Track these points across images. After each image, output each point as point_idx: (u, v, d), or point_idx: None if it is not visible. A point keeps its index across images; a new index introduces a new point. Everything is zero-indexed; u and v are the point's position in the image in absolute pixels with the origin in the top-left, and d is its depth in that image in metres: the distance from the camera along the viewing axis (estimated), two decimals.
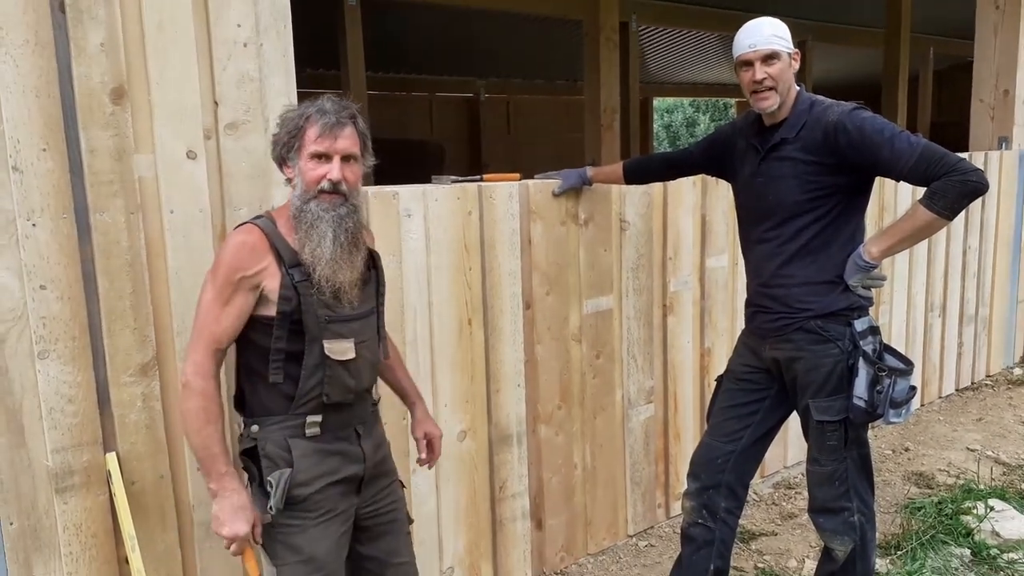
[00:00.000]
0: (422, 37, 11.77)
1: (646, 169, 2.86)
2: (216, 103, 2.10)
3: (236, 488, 1.77)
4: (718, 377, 2.66)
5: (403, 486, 2.12)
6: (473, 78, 14.52)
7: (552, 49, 13.05)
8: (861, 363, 2.28)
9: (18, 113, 1.84)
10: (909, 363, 2.34)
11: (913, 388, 2.34)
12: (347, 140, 1.78)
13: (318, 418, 1.82)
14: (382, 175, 2.24)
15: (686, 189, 3.31)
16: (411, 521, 2.15)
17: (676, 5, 12.07)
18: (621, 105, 8.49)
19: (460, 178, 2.73)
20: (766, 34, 2.27)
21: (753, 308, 2.49)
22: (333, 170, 1.76)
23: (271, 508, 1.77)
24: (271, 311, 1.78)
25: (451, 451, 2.67)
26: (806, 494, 2.55)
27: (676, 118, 27.99)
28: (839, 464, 2.36)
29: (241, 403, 1.89)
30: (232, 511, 1.75)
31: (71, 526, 1.98)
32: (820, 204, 2.27)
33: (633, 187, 3.09)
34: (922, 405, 4.76)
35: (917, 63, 14.53)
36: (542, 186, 2.85)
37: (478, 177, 2.77)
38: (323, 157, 1.76)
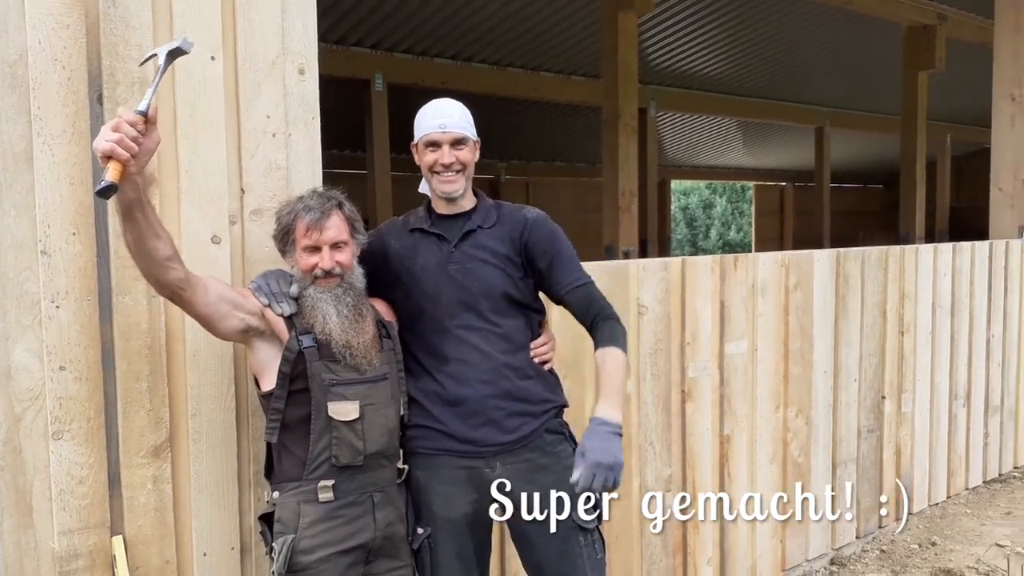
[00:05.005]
0: None
1: None
2: (243, 190, 2.16)
3: None
4: (425, 539, 2.07)
5: (415, 573, 2.08)
6: (494, 160, 14.84)
7: (572, 132, 13.36)
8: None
9: (51, 199, 1.90)
10: None
11: None
12: (333, 229, 1.94)
13: (331, 482, 1.90)
14: None
15: (704, 274, 3.31)
16: None
17: (693, 92, 12.39)
18: (639, 188, 8.62)
19: None
20: (456, 118, 2.08)
21: (463, 421, 2.05)
22: (324, 260, 1.93)
23: (273, 573, 1.85)
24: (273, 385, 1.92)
25: None
26: None
27: (693, 200, 28.31)
28: None
29: (269, 473, 2.00)
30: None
31: None
32: (520, 300, 2.12)
33: (651, 270, 3.10)
34: (948, 497, 4.61)
35: (935, 149, 14.69)
36: None
37: None
38: (314, 248, 1.93)
